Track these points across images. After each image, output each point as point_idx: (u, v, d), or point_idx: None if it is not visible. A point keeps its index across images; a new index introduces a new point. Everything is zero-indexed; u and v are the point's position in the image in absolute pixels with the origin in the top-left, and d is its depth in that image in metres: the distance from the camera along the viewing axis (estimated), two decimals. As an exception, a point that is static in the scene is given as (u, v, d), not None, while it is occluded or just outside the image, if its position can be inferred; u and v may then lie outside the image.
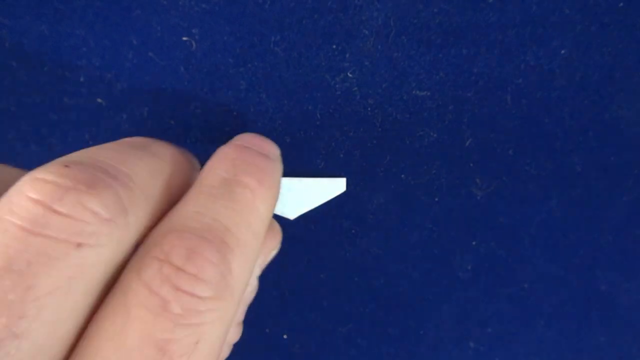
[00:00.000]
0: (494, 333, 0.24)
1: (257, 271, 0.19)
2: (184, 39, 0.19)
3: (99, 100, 0.20)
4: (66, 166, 0.13)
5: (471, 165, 0.21)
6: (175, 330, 0.12)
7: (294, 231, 0.22)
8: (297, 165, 0.21)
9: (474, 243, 0.22)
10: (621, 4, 0.18)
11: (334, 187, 0.21)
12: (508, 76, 0.19)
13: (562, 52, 0.19)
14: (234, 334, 0.19)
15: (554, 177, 0.21)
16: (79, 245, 0.12)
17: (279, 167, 0.17)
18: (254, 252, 0.15)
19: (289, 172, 0.21)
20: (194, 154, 0.21)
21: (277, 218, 0.22)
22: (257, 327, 0.24)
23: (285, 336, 0.24)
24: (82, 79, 0.20)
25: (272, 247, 0.19)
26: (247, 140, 0.17)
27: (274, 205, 0.17)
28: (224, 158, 0.16)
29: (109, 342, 0.12)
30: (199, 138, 0.21)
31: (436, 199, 0.21)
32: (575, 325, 0.23)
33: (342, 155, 0.21)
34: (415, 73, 0.19)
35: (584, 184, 0.21)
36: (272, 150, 0.18)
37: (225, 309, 0.13)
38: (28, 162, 0.22)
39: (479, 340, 0.24)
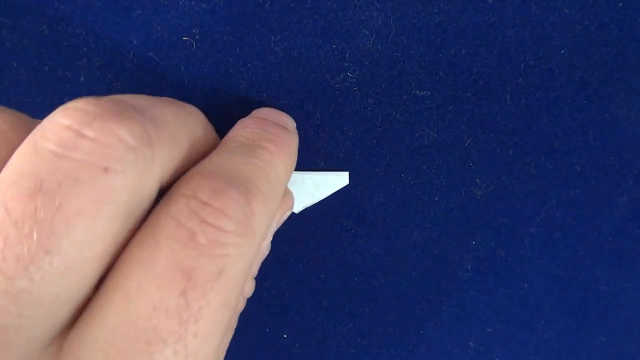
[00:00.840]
0: (494, 333, 0.24)
1: (273, 228, 0.19)
2: (184, 39, 0.19)
3: (99, 100, 0.20)
4: (97, 99, 0.14)
5: (471, 165, 0.21)
6: (200, 259, 0.13)
7: (294, 231, 0.22)
8: (297, 165, 0.21)
9: (474, 243, 0.22)
10: (621, 4, 0.18)
11: (337, 180, 0.21)
12: (508, 76, 0.19)
13: (562, 52, 0.19)
14: (248, 288, 0.19)
15: (554, 177, 0.21)
16: (106, 169, 0.12)
17: (295, 137, 0.19)
18: (273, 204, 0.16)
19: (289, 172, 0.21)
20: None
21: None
22: (257, 327, 0.24)
23: (285, 336, 0.24)
24: (82, 79, 0.20)
25: (286, 208, 0.20)
26: (265, 112, 0.19)
27: (291, 171, 0.18)
28: (244, 127, 0.18)
29: (139, 267, 0.13)
30: (199, 138, 0.21)
31: (436, 199, 0.21)
32: (575, 325, 0.23)
33: (342, 155, 0.21)
34: (415, 73, 0.19)
35: (584, 184, 0.21)
36: (289, 122, 0.19)
37: (247, 246, 0.14)
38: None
39: (479, 340, 0.24)
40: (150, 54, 0.20)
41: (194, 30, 0.19)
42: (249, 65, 0.20)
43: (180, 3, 0.19)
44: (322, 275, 0.23)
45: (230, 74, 0.20)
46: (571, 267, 0.22)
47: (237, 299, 0.14)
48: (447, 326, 0.24)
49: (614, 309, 0.23)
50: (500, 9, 0.19)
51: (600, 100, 0.20)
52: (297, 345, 0.24)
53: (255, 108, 0.20)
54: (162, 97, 0.17)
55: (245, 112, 0.20)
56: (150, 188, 0.14)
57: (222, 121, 0.21)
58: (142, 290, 0.13)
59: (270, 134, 0.17)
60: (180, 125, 0.16)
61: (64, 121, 0.13)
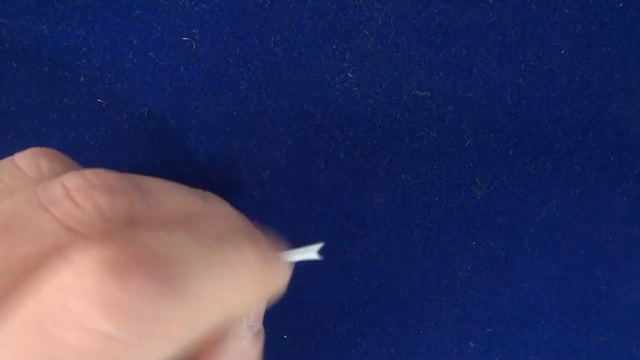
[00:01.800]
0: (494, 333, 0.24)
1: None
2: (184, 39, 0.19)
3: (99, 100, 0.20)
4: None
5: (471, 165, 0.21)
6: None
7: (294, 231, 0.22)
8: (297, 166, 0.21)
9: (474, 243, 0.22)
10: (621, 4, 0.18)
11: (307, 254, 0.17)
12: (508, 76, 0.19)
13: (562, 52, 0.19)
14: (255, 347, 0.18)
15: (554, 177, 0.21)
16: (68, 228, 0.13)
17: None
18: None
19: (288, 171, 0.21)
20: (193, 153, 0.21)
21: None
22: (257, 327, 0.24)
23: (285, 336, 0.24)
24: (82, 79, 0.20)
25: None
26: None
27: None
28: None
29: None
30: (199, 138, 0.21)
31: (436, 199, 0.21)
32: (575, 325, 0.23)
33: (342, 155, 0.21)
34: (415, 73, 0.19)
35: (584, 184, 0.21)
36: None
37: None
38: (28, 162, 0.22)
39: (479, 340, 0.24)
40: (150, 54, 0.20)
41: (194, 30, 0.19)
42: (249, 65, 0.20)
43: (180, 3, 0.19)
44: (321, 275, 0.23)
45: (230, 74, 0.20)
46: (571, 267, 0.22)
47: None
48: (447, 326, 0.24)
49: (614, 309, 0.23)
50: (500, 9, 0.19)
51: (600, 100, 0.20)
52: (297, 345, 0.24)
53: (255, 108, 0.20)
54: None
55: (245, 112, 0.20)
56: None
57: (223, 121, 0.21)
58: None
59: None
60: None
61: (66, 183, 0.14)
